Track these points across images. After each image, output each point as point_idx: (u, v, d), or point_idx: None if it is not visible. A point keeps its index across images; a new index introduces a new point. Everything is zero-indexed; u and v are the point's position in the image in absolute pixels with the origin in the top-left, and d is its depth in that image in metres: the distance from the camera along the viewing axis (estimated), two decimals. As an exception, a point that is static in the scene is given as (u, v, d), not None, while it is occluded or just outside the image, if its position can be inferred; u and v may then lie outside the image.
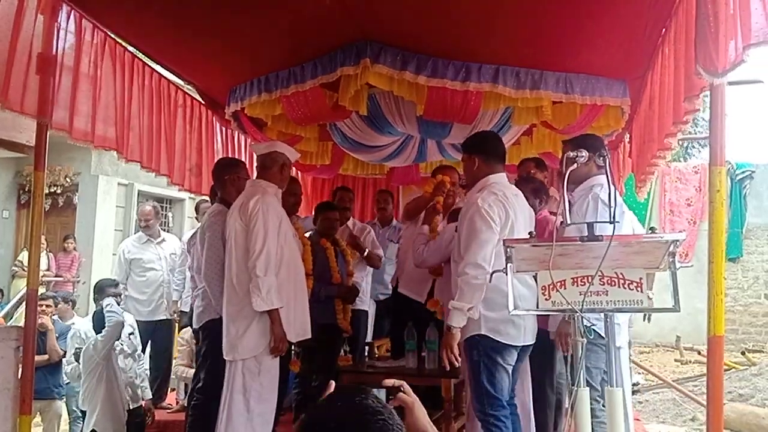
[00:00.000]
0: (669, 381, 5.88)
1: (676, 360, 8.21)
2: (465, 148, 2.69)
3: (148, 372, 4.11)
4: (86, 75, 2.86)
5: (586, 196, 2.40)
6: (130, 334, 3.86)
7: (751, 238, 9.47)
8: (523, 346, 2.48)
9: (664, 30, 2.74)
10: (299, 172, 4.89)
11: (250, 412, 2.67)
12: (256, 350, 2.68)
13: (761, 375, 5.52)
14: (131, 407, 3.77)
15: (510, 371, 2.45)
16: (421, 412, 0.99)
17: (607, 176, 1.94)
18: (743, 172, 9.08)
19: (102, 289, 3.79)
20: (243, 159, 4.46)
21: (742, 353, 7.36)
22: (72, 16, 2.75)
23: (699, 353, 7.91)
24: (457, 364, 2.45)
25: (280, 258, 2.71)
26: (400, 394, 0.99)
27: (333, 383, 1.01)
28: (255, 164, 4.28)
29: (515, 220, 2.43)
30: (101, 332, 3.56)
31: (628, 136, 4.24)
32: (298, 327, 2.81)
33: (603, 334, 2.08)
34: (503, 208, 2.41)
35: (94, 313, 3.81)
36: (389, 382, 1.01)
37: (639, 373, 6.43)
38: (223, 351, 2.74)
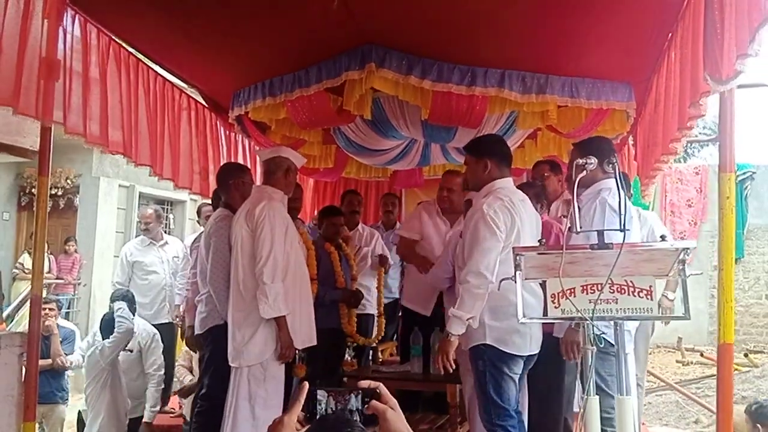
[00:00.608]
0: (672, 383, 5.87)
1: (677, 361, 8.21)
2: (473, 152, 2.63)
3: (157, 390, 3.97)
4: (93, 79, 2.85)
5: (594, 201, 2.37)
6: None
7: (752, 239, 9.47)
8: (528, 355, 2.46)
9: (670, 34, 2.73)
10: (302, 175, 4.88)
11: (256, 419, 2.66)
12: (262, 357, 2.67)
13: (764, 377, 5.52)
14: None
15: (516, 380, 2.44)
16: (396, 419, 0.95)
17: (617, 183, 1.93)
18: (744, 173, 9.07)
19: (114, 298, 3.82)
20: (247, 162, 4.46)
21: (745, 355, 7.36)
22: (77, 20, 2.73)
23: (702, 354, 7.90)
24: (450, 371, 2.43)
25: (286, 265, 2.70)
26: (373, 402, 0.96)
27: (306, 385, 0.99)
28: (260, 169, 4.27)
29: (521, 227, 2.40)
30: (108, 337, 3.55)
31: (632, 139, 4.23)
32: (304, 334, 2.80)
33: (612, 342, 2.07)
34: (509, 215, 2.37)
35: (103, 317, 3.77)
36: (365, 383, 0.99)
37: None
38: (229, 357, 2.72)
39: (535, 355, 2.49)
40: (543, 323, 2.61)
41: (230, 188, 3.08)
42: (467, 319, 2.30)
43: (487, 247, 2.31)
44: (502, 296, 2.30)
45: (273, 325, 2.66)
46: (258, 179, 4.17)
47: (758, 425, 3.28)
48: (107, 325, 3.62)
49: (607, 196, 2.33)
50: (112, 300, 3.84)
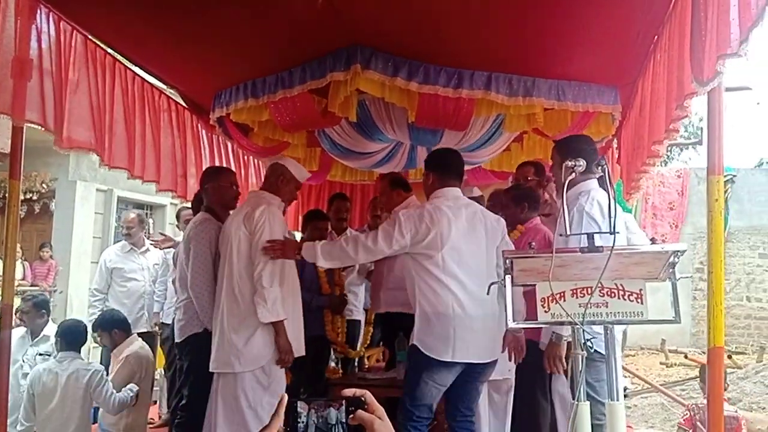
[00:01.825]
0: (657, 385, 5.91)
1: (661, 363, 8.29)
2: (424, 165, 2.77)
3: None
4: (68, 79, 2.75)
5: (572, 207, 2.34)
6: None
7: (733, 242, 9.65)
8: (468, 363, 2.44)
9: (656, 36, 2.74)
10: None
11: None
12: (259, 362, 2.62)
13: (747, 378, 5.57)
14: None
15: (440, 389, 2.46)
16: (384, 430, 0.91)
17: (606, 187, 1.90)
18: (725, 177, 9.21)
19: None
20: (231, 165, 4.38)
21: (729, 357, 7.44)
22: (50, 18, 2.63)
23: (686, 356, 7.98)
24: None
25: (281, 271, 2.66)
26: (359, 412, 0.91)
27: (285, 398, 0.93)
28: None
29: (445, 231, 2.45)
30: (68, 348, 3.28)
31: (616, 142, 4.25)
32: (294, 342, 2.74)
33: (599, 350, 2.04)
34: (422, 222, 2.46)
35: (62, 325, 3.41)
36: (349, 392, 0.93)
37: (626, 377, 6.45)
38: (214, 364, 2.66)
39: (483, 364, 2.48)
40: (526, 330, 2.60)
41: (208, 191, 3.02)
42: (318, 255, 2.56)
43: (371, 243, 2.49)
44: (429, 301, 2.42)
45: (270, 330, 2.61)
46: (242, 183, 4.09)
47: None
48: (68, 333, 3.26)
49: (584, 202, 2.31)
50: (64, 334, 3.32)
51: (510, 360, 2.65)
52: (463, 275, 2.43)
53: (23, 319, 3.88)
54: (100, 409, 3.30)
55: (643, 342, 9.45)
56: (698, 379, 4.70)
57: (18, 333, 3.86)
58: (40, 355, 3.51)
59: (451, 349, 2.39)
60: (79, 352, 3.33)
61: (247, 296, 2.60)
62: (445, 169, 2.66)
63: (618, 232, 1.85)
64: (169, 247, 4.06)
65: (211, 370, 2.68)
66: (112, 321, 3.50)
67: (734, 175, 9.44)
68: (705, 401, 3.75)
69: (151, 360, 3.55)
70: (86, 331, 3.42)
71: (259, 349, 2.60)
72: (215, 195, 3.00)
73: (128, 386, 3.31)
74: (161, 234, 4.49)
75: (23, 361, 3.65)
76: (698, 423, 3.55)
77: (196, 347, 2.83)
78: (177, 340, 2.97)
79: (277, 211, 2.76)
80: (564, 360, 2.24)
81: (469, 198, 3.04)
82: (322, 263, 2.59)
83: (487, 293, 2.22)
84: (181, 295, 2.95)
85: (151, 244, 4.38)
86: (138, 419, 3.43)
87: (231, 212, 3.03)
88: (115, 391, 3.22)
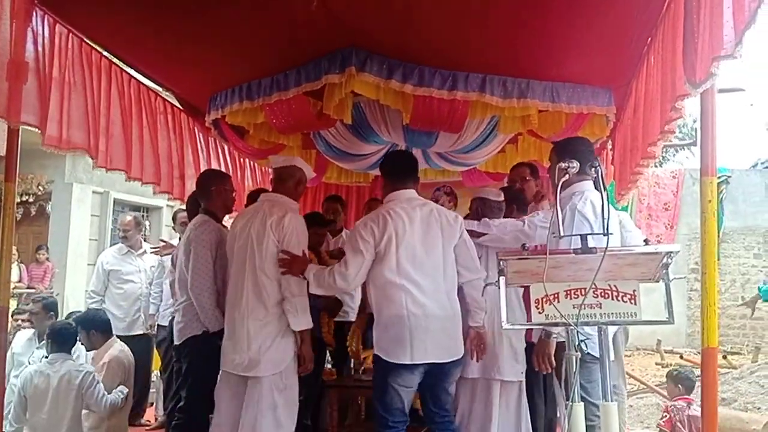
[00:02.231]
0: (652, 386, 5.93)
1: (657, 363, 8.31)
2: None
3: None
4: (64, 82, 2.75)
5: (564, 207, 2.34)
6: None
7: (728, 242, 9.70)
8: (431, 364, 2.44)
9: (650, 39, 2.76)
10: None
11: (281, 427, 2.59)
12: (278, 367, 2.62)
13: (743, 378, 5.59)
14: None
15: (407, 392, 2.46)
16: None
17: (600, 188, 1.92)
18: (719, 177, 9.26)
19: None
20: (228, 167, 4.38)
21: (724, 357, 7.48)
22: (46, 22, 2.64)
23: (681, 357, 8.01)
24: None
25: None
26: None
27: None
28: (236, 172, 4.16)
29: (400, 232, 2.46)
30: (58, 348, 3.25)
31: (610, 143, 4.27)
32: None
33: (592, 353, 2.05)
34: (378, 225, 2.48)
35: (53, 327, 3.38)
36: None
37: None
38: (229, 366, 2.65)
39: (445, 365, 2.47)
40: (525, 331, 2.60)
41: (212, 195, 3.01)
42: (311, 282, 2.56)
43: (347, 257, 2.51)
44: (383, 305, 2.44)
45: (292, 336, 2.62)
46: (239, 185, 4.09)
47: (679, 385, 4.22)
48: (58, 334, 3.25)
49: (577, 201, 2.30)
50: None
51: (472, 359, 2.65)
52: (417, 275, 2.44)
53: (32, 320, 3.86)
54: (82, 412, 3.29)
55: (638, 342, 9.48)
56: (666, 383, 4.63)
57: (25, 335, 3.87)
58: (46, 357, 3.50)
59: (409, 351, 2.39)
60: (70, 353, 3.33)
61: (273, 301, 2.60)
62: (396, 171, 2.68)
63: (611, 234, 1.86)
64: (169, 254, 4.08)
65: (227, 370, 2.66)
66: (91, 321, 3.45)
67: (729, 176, 9.47)
68: (682, 403, 3.89)
69: (132, 363, 3.53)
70: (77, 333, 3.40)
71: (280, 354, 2.60)
72: (220, 198, 3.00)
73: (118, 388, 3.31)
74: (162, 241, 4.48)
75: (29, 363, 3.63)
76: (677, 423, 3.57)
77: (195, 349, 2.82)
78: (176, 342, 2.96)
79: (302, 220, 2.77)
80: (552, 357, 2.24)
81: (493, 201, 3.05)
82: (314, 291, 2.61)
83: (481, 295, 2.23)
84: (180, 297, 2.94)
85: (152, 252, 4.37)
86: (120, 423, 3.42)
87: (231, 215, 3.02)
88: (106, 393, 3.21)
